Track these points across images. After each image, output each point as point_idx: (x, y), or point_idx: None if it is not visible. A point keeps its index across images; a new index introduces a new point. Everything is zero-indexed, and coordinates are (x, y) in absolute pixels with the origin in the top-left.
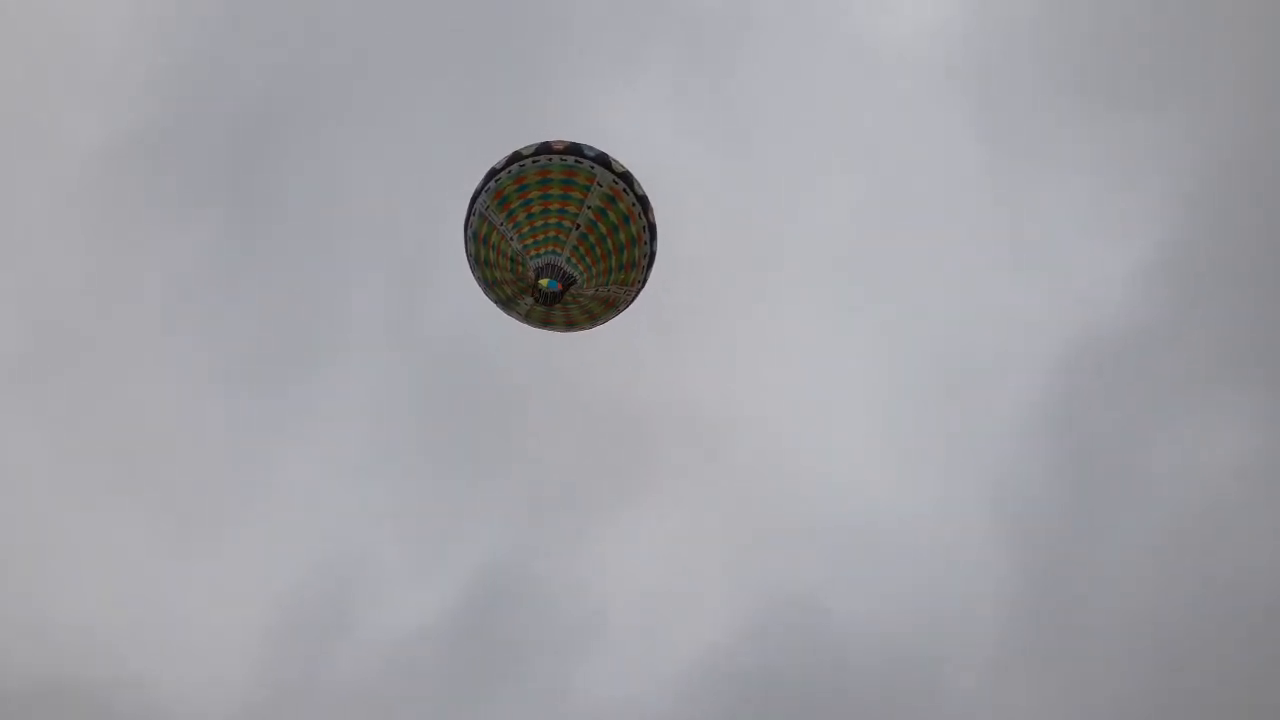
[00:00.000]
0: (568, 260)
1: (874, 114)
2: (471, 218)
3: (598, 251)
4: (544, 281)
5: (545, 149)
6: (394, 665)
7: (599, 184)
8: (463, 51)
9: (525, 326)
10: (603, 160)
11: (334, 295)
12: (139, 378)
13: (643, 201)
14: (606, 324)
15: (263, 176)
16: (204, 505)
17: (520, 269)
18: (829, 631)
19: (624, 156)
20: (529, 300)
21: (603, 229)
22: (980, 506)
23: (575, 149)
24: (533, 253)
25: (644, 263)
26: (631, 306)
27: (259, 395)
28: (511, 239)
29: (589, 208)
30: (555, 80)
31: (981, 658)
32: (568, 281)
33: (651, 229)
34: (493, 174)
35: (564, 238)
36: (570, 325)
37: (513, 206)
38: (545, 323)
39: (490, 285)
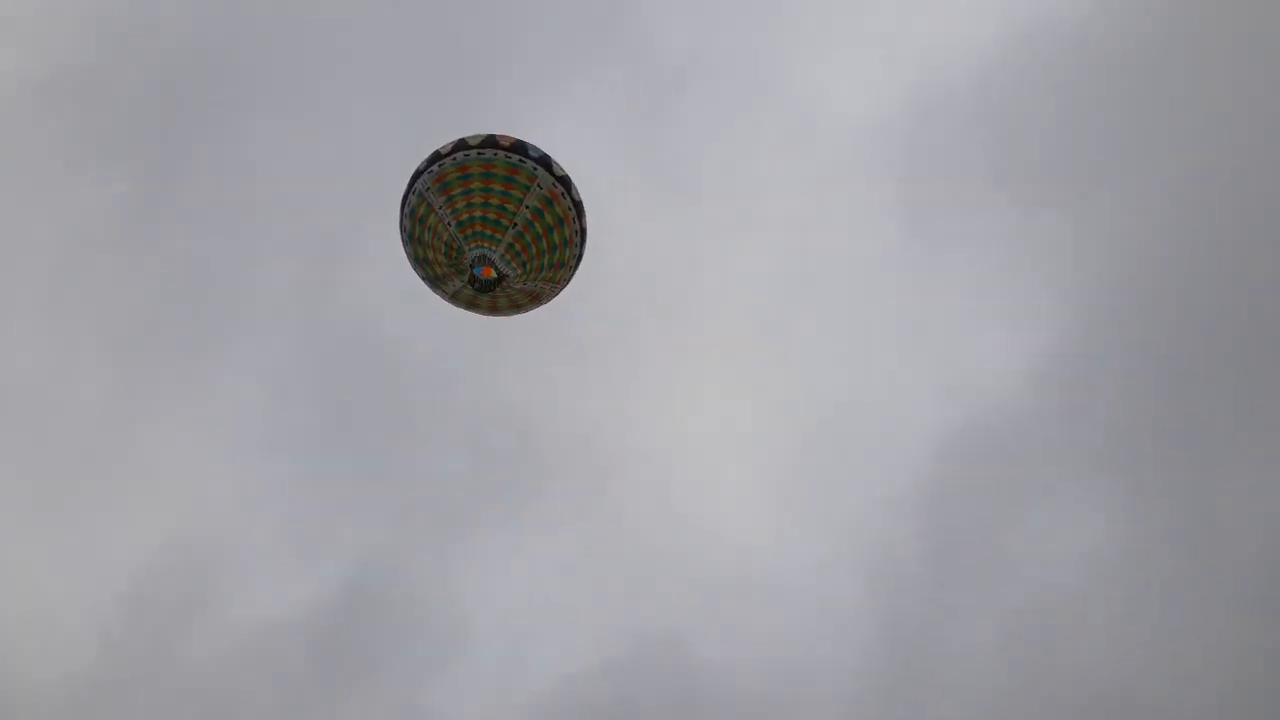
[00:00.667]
0: (502, 257)
1: (800, 181)
2: (410, 195)
3: (532, 250)
4: (481, 276)
5: (492, 142)
6: (247, 654)
7: (539, 185)
8: (404, 43)
9: (447, 307)
10: (544, 162)
11: (238, 269)
12: (18, 331)
13: (578, 206)
14: (525, 316)
15: (178, 137)
16: (67, 469)
17: (454, 255)
18: (690, 673)
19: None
20: (458, 282)
21: (539, 229)
22: (853, 570)
23: (520, 147)
24: (471, 244)
25: (573, 263)
26: (552, 302)
27: (144, 363)
28: (450, 224)
29: (527, 207)
30: (493, 82)
31: (833, 715)
32: (500, 275)
33: (583, 233)
34: (437, 157)
35: (500, 235)
36: (494, 311)
37: (453, 193)
38: (470, 305)
39: (420, 263)
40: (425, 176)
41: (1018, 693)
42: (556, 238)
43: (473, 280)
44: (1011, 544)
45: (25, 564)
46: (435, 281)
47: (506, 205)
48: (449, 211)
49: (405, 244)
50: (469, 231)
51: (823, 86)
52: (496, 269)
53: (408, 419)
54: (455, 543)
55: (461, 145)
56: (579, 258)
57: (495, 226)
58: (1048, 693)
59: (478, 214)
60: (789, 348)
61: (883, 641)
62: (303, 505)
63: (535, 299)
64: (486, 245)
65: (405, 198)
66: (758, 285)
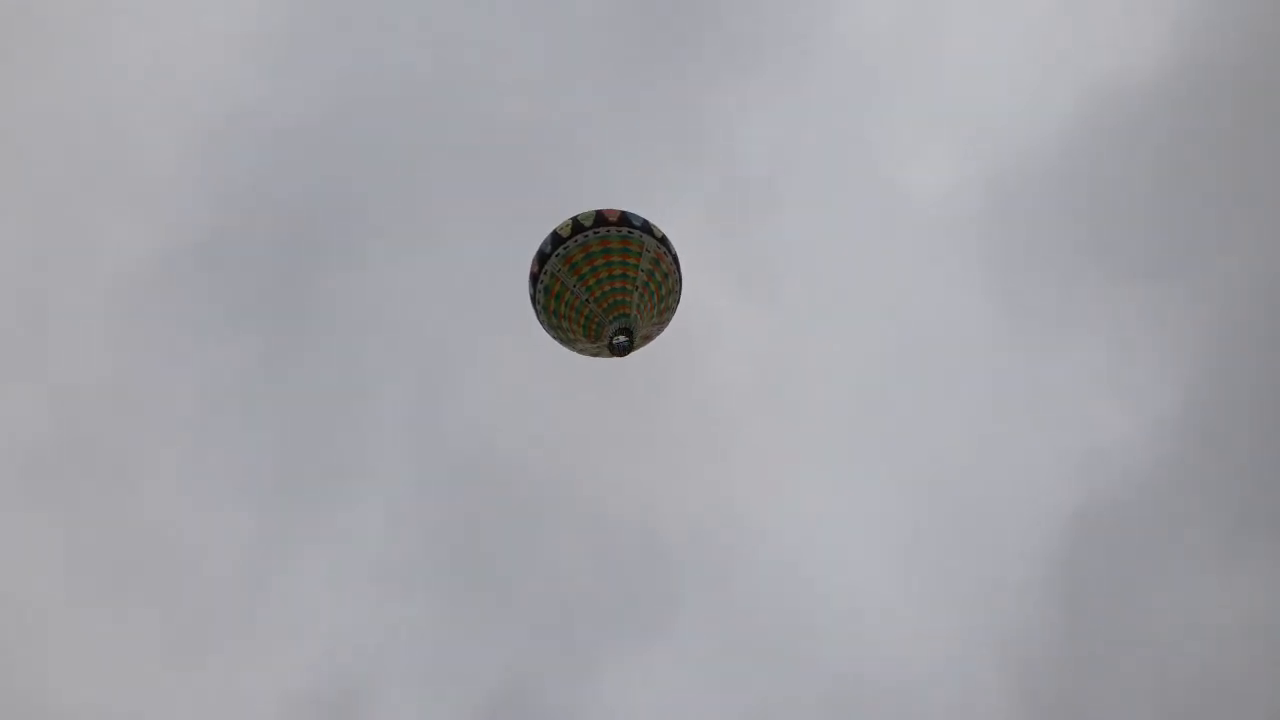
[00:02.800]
0: (634, 319)
1: (898, 264)
2: (543, 276)
3: (650, 302)
4: (620, 339)
5: (601, 220)
6: None
7: (648, 249)
8: (494, 171)
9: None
10: (646, 228)
11: (357, 412)
12: (160, 487)
13: (675, 258)
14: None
15: (293, 293)
16: (211, 616)
17: (593, 326)
18: None
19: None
20: (591, 345)
21: (652, 285)
22: (988, 659)
23: (625, 219)
24: (609, 317)
25: (675, 305)
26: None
27: (278, 510)
28: (587, 300)
29: (643, 270)
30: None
31: None
32: (632, 338)
33: (680, 279)
34: (559, 240)
35: (629, 298)
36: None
37: (583, 271)
38: (596, 354)
39: (557, 329)
40: (554, 259)
41: None
42: (664, 289)
43: (613, 348)
44: (1159, 615)
45: (177, 701)
46: (567, 343)
47: (628, 273)
48: (583, 289)
49: (541, 315)
50: (605, 305)
51: (903, 175)
52: (633, 336)
53: (531, 533)
54: (590, 656)
55: (578, 227)
56: (679, 297)
57: (624, 292)
58: None
59: (607, 288)
60: (903, 434)
61: None
62: (438, 635)
63: (648, 339)
64: (623, 315)
65: (537, 278)
66: (863, 371)
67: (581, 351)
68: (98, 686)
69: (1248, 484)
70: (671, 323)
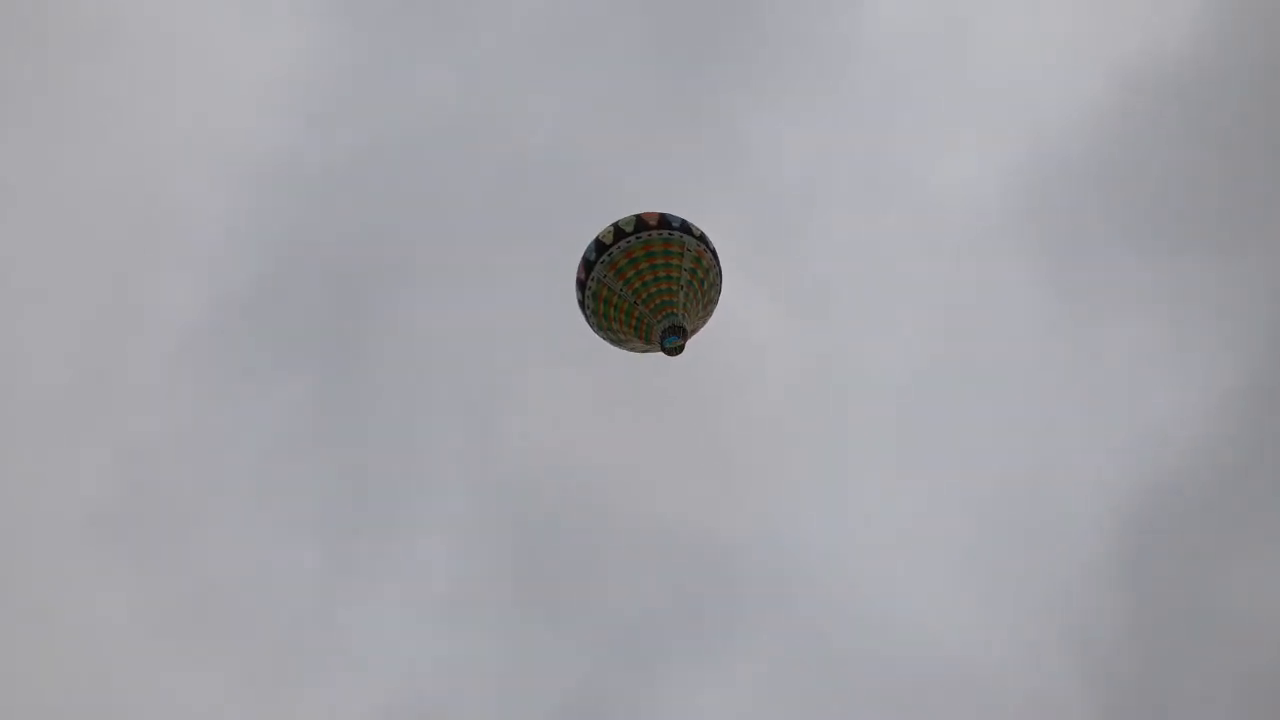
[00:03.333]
0: (682, 317)
1: (940, 262)
2: (590, 283)
3: (696, 298)
4: (672, 342)
5: (642, 224)
6: None
7: (689, 249)
8: (529, 197)
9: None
10: (685, 227)
11: (413, 443)
12: (224, 534)
13: (714, 253)
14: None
15: (345, 338)
16: (282, 656)
17: (643, 328)
18: None
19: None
20: (641, 344)
21: (695, 282)
22: (1058, 647)
23: (665, 222)
24: (658, 317)
25: (717, 297)
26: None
27: (341, 545)
28: (635, 304)
29: (685, 270)
30: None
31: None
32: (684, 334)
33: (720, 272)
34: (602, 247)
35: (675, 299)
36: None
37: (628, 276)
38: (647, 351)
39: (609, 332)
40: (599, 266)
41: None
42: (706, 283)
43: (666, 350)
44: (1233, 595)
45: None
46: (619, 344)
47: (671, 274)
48: (630, 292)
49: (591, 320)
50: (652, 306)
51: (938, 174)
52: (682, 329)
53: (592, 555)
54: (655, 673)
55: (620, 233)
56: (720, 290)
57: (670, 293)
58: None
59: (653, 289)
60: (957, 432)
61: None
62: (506, 659)
63: (694, 332)
64: (671, 315)
65: (584, 284)
66: (913, 375)
67: (634, 350)
68: None
69: None
70: (722, 340)
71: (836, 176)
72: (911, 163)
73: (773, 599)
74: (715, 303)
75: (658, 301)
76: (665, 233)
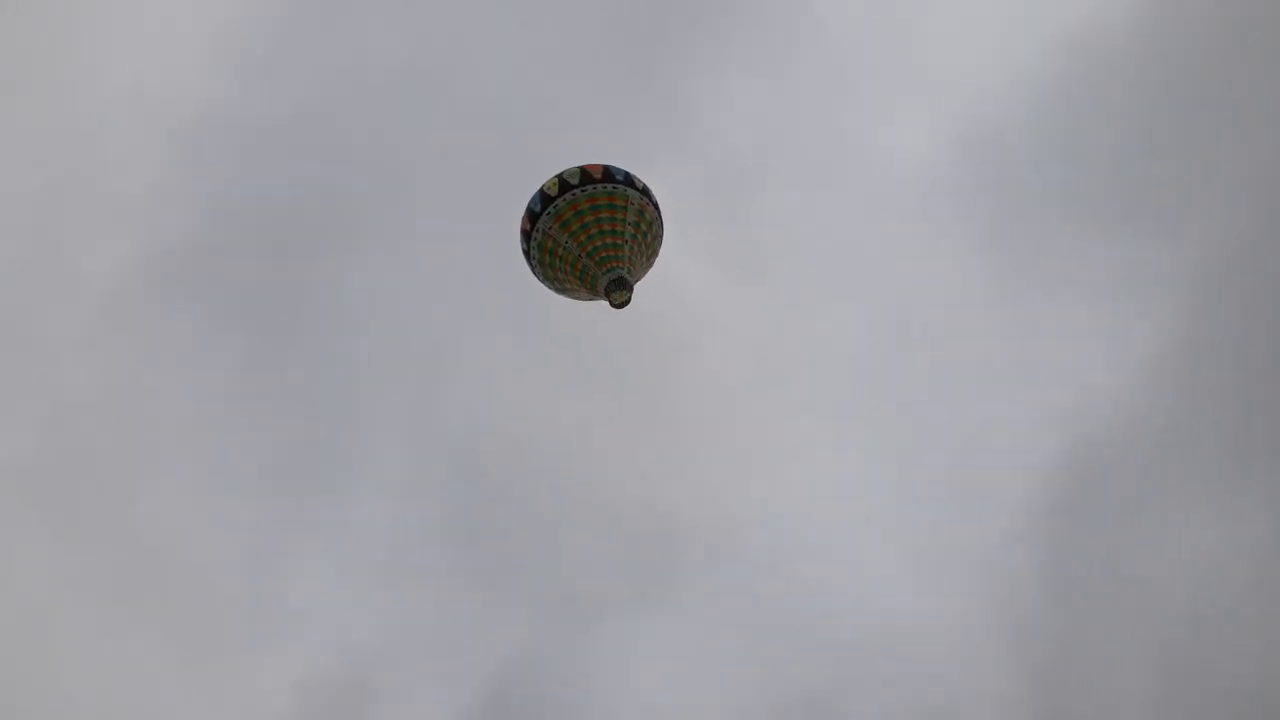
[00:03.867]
0: (628, 270)
1: (881, 234)
2: (535, 233)
3: (640, 250)
4: (619, 295)
5: (587, 177)
6: None
7: (632, 202)
8: (476, 167)
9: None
10: (628, 180)
11: (352, 404)
12: (158, 492)
13: (657, 206)
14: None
15: (284, 297)
16: (216, 615)
17: (589, 278)
18: None
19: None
20: (586, 294)
21: (639, 234)
22: (982, 609)
23: (609, 174)
24: (603, 270)
25: (659, 248)
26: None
27: (278, 506)
28: (579, 255)
29: (629, 223)
30: None
31: None
32: (629, 287)
33: (662, 223)
34: (547, 199)
35: (620, 253)
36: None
37: (574, 229)
38: (591, 300)
39: (554, 281)
40: (545, 218)
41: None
42: (649, 235)
43: (612, 302)
44: (1149, 553)
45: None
46: (563, 292)
47: (616, 228)
48: (575, 244)
49: (536, 270)
50: (598, 258)
51: (881, 143)
52: (627, 281)
53: (530, 521)
54: (595, 635)
55: (565, 185)
56: (662, 241)
57: (615, 248)
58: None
59: (598, 243)
60: (896, 402)
61: (1017, 674)
62: (443, 621)
63: (637, 282)
64: (616, 268)
65: (529, 234)
66: (853, 342)
67: (578, 299)
68: (105, 693)
69: (1230, 418)
70: (666, 307)
71: (783, 146)
72: (857, 132)
73: (709, 564)
74: (657, 254)
75: (602, 255)
76: (610, 186)
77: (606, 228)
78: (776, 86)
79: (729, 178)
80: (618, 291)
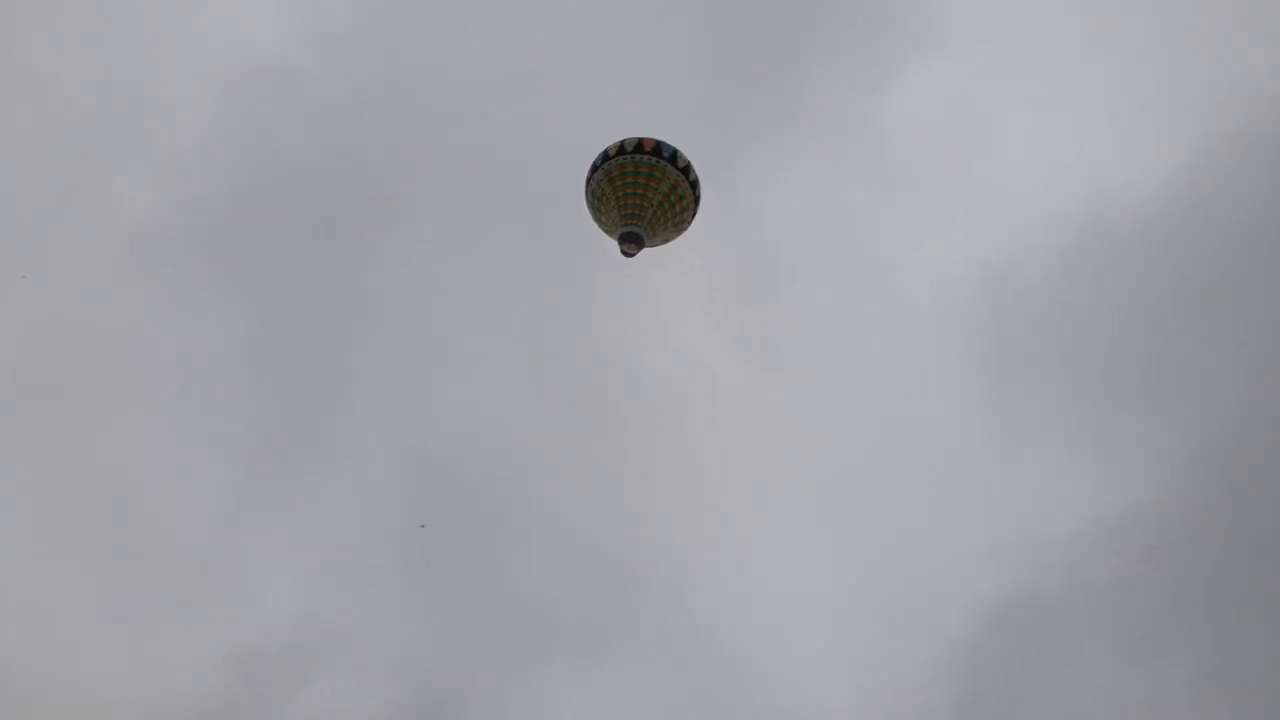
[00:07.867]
0: (644, 229)
1: (893, 349)
2: (591, 182)
3: (664, 216)
4: (625, 246)
5: (639, 147)
6: None
7: (667, 176)
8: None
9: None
10: (673, 158)
11: (341, 400)
12: (131, 434)
13: (693, 184)
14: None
15: (304, 268)
16: (162, 567)
17: (613, 226)
18: None
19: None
20: (617, 232)
21: (666, 205)
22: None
23: (658, 149)
24: (623, 223)
25: (690, 219)
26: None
27: (245, 478)
28: (615, 205)
29: (659, 193)
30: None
31: None
32: (639, 243)
33: (697, 199)
34: (606, 157)
35: (642, 214)
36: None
37: (617, 185)
38: (613, 237)
39: (598, 220)
40: (599, 171)
41: None
42: (679, 208)
43: (622, 240)
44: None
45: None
46: (601, 226)
47: (646, 193)
48: (615, 197)
49: (589, 205)
50: (626, 213)
51: (911, 259)
52: (638, 237)
53: (495, 538)
54: (530, 672)
55: (622, 150)
56: (694, 213)
57: (639, 209)
58: None
59: (627, 202)
60: (859, 503)
61: None
62: (390, 618)
63: (667, 241)
64: (634, 225)
65: (589, 181)
66: (839, 439)
67: (607, 234)
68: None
69: (1171, 585)
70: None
71: (820, 242)
72: (890, 244)
73: (659, 617)
74: (686, 224)
75: (629, 211)
76: (652, 159)
77: (639, 191)
78: (827, 184)
79: (765, 264)
80: (625, 243)
